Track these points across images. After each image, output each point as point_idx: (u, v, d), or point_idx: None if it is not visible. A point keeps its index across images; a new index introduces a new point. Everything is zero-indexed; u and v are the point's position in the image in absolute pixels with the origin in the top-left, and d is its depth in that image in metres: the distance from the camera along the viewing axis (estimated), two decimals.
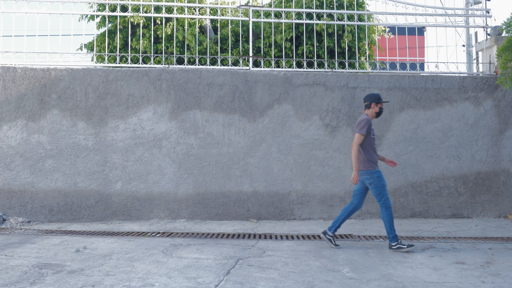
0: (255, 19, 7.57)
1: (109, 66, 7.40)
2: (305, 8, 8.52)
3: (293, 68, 7.42)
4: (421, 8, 7.68)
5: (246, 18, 7.55)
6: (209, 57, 7.70)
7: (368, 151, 5.06)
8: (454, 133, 7.26)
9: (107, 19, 8.31)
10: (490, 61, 7.74)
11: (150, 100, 6.96)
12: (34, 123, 6.82)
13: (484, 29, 8.00)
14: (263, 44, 8.79)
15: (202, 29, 9.25)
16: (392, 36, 9.87)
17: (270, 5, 9.32)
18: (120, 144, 6.89)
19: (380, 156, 5.29)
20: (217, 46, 8.64)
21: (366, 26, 8.39)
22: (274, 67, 7.69)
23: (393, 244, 4.93)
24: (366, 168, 5.02)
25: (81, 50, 9.06)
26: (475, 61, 11.52)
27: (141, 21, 8.02)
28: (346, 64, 7.62)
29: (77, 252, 4.77)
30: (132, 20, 7.91)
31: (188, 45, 8.51)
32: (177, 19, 8.45)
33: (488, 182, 7.23)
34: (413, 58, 8.40)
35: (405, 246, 4.89)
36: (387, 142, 7.17)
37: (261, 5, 8.34)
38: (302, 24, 8.52)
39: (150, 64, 7.30)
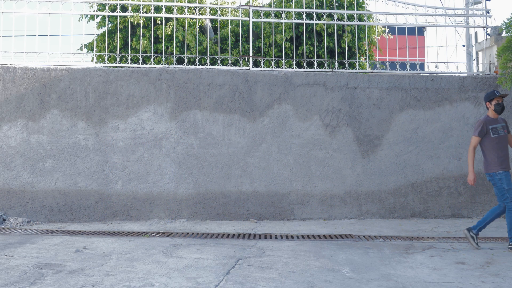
0: (255, 19, 7.57)
1: (109, 66, 7.39)
2: (305, 8, 8.52)
3: (293, 68, 7.42)
4: (421, 8, 7.67)
5: (246, 18, 7.55)
6: (209, 57, 7.70)
7: (488, 153, 4.97)
8: (454, 133, 7.26)
9: (107, 19, 8.32)
10: (490, 61, 7.74)
11: (150, 100, 6.96)
12: (34, 123, 6.82)
13: (484, 29, 8.00)
14: (263, 44, 8.78)
15: (202, 29, 9.25)
16: (392, 36, 9.86)
17: (270, 5, 9.31)
18: (120, 144, 6.89)
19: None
20: (217, 46, 8.64)
21: (366, 26, 8.40)
22: (274, 67, 7.69)
23: None
24: (486, 170, 4.99)
25: (81, 50, 9.05)
26: (475, 61, 11.51)
27: (141, 21, 8.02)
28: (346, 64, 7.61)
29: (77, 252, 4.77)
30: (132, 20, 7.91)
31: (188, 45, 8.51)
32: (177, 19, 8.45)
33: (488, 182, 7.22)
34: (413, 58, 8.39)
35: None
36: (387, 142, 7.17)
37: (261, 5, 8.34)
38: (302, 24, 8.52)
39: (150, 64, 7.30)
